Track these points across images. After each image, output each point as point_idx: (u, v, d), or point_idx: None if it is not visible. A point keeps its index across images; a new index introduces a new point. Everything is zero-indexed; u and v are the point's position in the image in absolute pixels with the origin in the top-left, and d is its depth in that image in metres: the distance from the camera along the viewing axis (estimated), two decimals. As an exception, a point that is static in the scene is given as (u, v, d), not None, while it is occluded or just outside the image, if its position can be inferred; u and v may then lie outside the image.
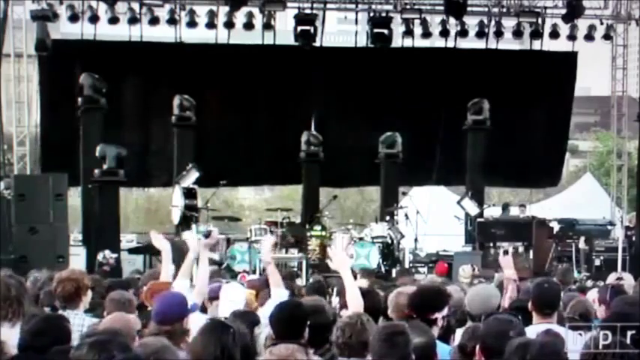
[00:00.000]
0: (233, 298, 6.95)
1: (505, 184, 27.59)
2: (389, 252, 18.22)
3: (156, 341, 4.88)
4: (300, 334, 5.38)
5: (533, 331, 5.41)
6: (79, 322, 6.38)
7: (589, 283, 14.52)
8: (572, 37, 22.84)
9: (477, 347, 4.95)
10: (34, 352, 4.90)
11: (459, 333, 6.19)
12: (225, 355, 4.82)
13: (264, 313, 6.98)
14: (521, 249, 19.16)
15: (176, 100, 20.06)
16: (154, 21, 21.58)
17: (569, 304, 7.03)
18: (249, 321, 6.14)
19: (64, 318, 5.64)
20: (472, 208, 19.79)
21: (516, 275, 7.19)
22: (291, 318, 5.49)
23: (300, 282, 13.33)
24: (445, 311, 6.07)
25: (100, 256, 16.24)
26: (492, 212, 20.62)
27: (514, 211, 21.00)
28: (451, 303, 6.40)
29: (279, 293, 7.04)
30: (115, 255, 16.63)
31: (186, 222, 17.92)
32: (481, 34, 22.88)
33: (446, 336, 6.25)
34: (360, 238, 17.95)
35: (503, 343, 4.64)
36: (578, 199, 26.47)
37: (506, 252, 15.56)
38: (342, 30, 27.82)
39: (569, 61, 23.57)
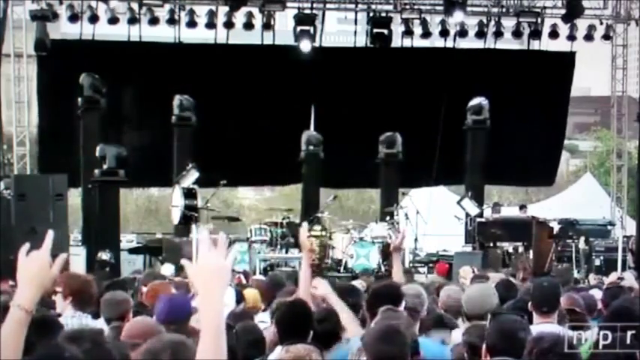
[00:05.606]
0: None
1: (504, 183, 27.58)
2: (389, 252, 18.18)
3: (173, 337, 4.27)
4: (307, 334, 5.35)
5: (533, 331, 5.40)
6: (92, 324, 6.38)
7: (591, 277, 14.50)
8: (571, 37, 22.84)
9: (483, 346, 4.92)
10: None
11: (457, 332, 6.18)
12: (230, 356, 4.80)
13: None
14: (521, 249, 19.15)
15: (176, 100, 20.05)
16: (154, 21, 21.59)
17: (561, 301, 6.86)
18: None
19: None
20: (472, 208, 19.76)
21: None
22: (297, 318, 5.41)
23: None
24: (404, 303, 5.88)
25: (99, 257, 16.22)
26: (486, 213, 20.57)
27: (505, 211, 20.93)
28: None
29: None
30: (113, 254, 16.62)
31: (186, 222, 17.92)
32: (480, 34, 22.86)
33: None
34: (360, 238, 17.93)
35: (509, 341, 4.64)
36: (578, 199, 26.46)
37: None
38: (341, 30, 27.81)
39: (566, 60, 23.57)
